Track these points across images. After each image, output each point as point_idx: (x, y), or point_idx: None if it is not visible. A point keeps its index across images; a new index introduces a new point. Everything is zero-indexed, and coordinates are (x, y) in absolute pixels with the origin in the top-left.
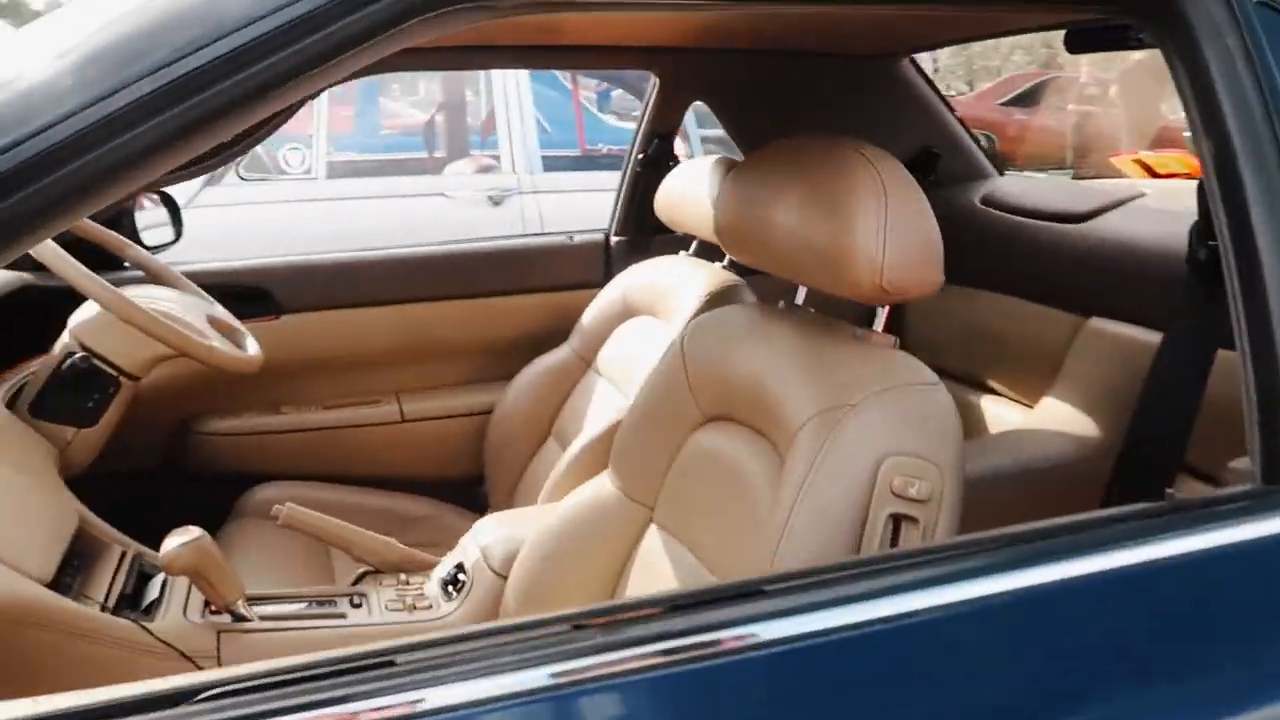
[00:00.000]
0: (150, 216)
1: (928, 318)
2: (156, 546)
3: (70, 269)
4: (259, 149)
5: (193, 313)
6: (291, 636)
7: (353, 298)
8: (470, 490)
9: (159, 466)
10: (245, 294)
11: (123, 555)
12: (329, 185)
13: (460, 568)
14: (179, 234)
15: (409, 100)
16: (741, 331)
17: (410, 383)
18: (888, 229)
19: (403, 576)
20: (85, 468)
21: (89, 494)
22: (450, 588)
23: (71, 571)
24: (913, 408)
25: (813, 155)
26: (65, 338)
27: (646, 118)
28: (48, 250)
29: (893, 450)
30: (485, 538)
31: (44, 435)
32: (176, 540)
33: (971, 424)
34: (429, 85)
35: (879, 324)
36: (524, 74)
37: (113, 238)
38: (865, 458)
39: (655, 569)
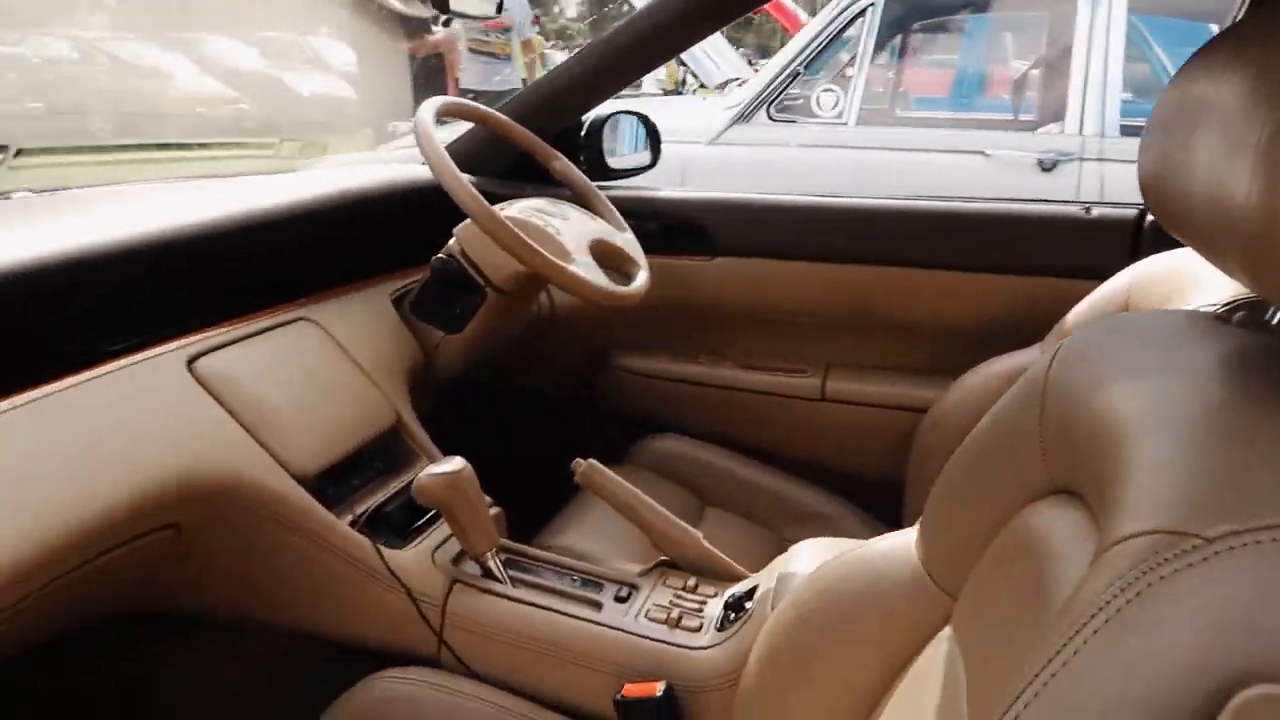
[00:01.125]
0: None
1: None
2: (551, 473)
3: (441, 168)
4: (795, 89)
5: (576, 235)
6: (525, 613)
7: (794, 248)
8: (886, 497)
9: (584, 392)
10: (683, 227)
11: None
12: (857, 132)
13: (751, 594)
14: (654, 161)
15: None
16: (1140, 355)
17: (841, 357)
18: None
19: (692, 581)
20: (457, 377)
21: (514, 408)
22: (732, 614)
23: (353, 476)
24: None
25: None
26: (452, 240)
27: None
28: (428, 148)
29: (1265, 671)
30: (790, 564)
31: (416, 335)
32: (437, 468)
33: None
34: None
35: None
36: (1119, 15)
37: (541, 147)
38: (1208, 659)
39: (926, 697)
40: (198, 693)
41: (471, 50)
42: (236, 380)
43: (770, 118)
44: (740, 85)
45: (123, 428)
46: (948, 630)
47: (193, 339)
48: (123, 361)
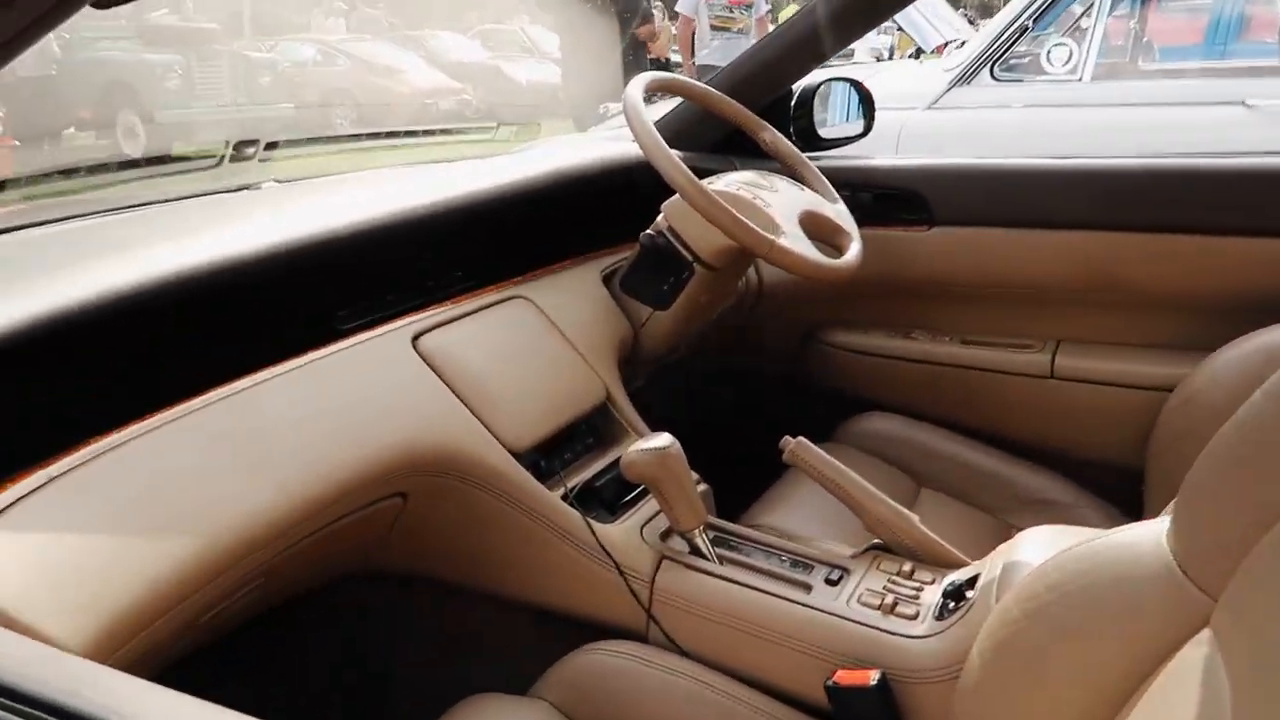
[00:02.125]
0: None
1: None
2: (757, 452)
3: (649, 143)
4: (1022, 46)
5: (785, 207)
6: (733, 592)
7: (1019, 215)
8: (1123, 484)
9: (790, 369)
10: (898, 197)
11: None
12: (1093, 89)
13: (973, 583)
14: (867, 129)
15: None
16: None
17: (1073, 331)
18: None
19: (908, 567)
20: (665, 354)
21: (720, 385)
22: (951, 603)
23: (564, 451)
24: None
25: None
26: (660, 216)
27: None
28: (636, 124)
29: None
30: (1017, 553)
31: (625, 312)
32: (645, 444)
33: None
34: None
35: None
36: None
37: (749, 118)
38: None
39: (1179, 705)
40: (413, 653)
41: (714, 27)
42: (457, 357)
43: (994, 77)
44: (960, 47)
45: (356, 400)
46: (1207, 633)
47: (416, 317)
48: (354, 339)
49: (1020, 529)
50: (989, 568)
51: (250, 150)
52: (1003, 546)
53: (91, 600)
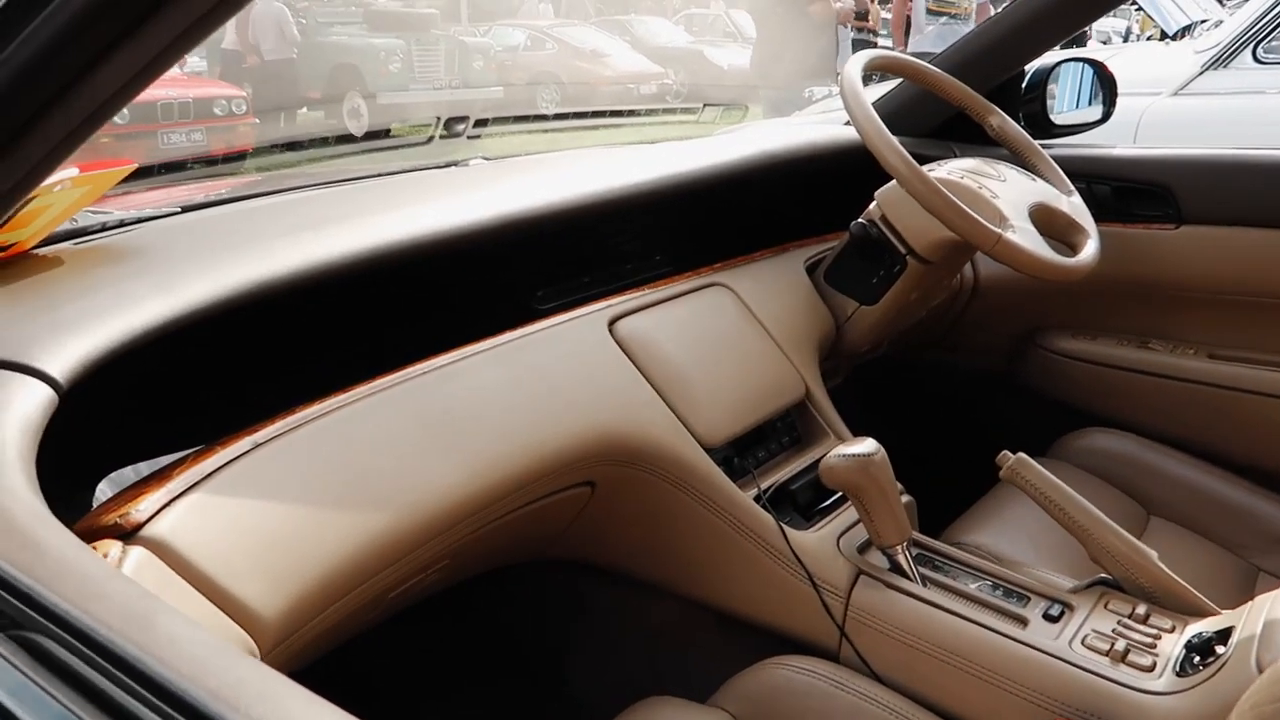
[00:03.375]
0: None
1: None
2: (964, 462)
3: (867, 124)
4: None
5: (1014, 198)
6: (937, 619)
7: None
8: None
9: (1003, 373)
10: (1141, 191)
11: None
12: None
13: (1224, 636)
14: (1106, 115)
15: None
16: None
17: None
18: None
19: (1142, 609)
20: (867, 351)
21: (926, 388)
22: (1196, 657)
23: (759, 449)
24: None
25: None
26: (872, 204)
27: None
28: (853, 103)
29: None
30: None
31: (829, 305)
32: (848, 449)
33: None
34: None
35: None
36: None
37: (976, 101)
38: None
39: None
40: (587, 648)
41: (930, 11)
42: (653, 343)
43: (1257, 59)
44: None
45: (551, 384)
46: None
47: (613, 301)
48: (551, 320)
49: (1268, 573)
50: (1245, 621)
51: (460, 127)
52: (1262, 598)
53: (289, 569)
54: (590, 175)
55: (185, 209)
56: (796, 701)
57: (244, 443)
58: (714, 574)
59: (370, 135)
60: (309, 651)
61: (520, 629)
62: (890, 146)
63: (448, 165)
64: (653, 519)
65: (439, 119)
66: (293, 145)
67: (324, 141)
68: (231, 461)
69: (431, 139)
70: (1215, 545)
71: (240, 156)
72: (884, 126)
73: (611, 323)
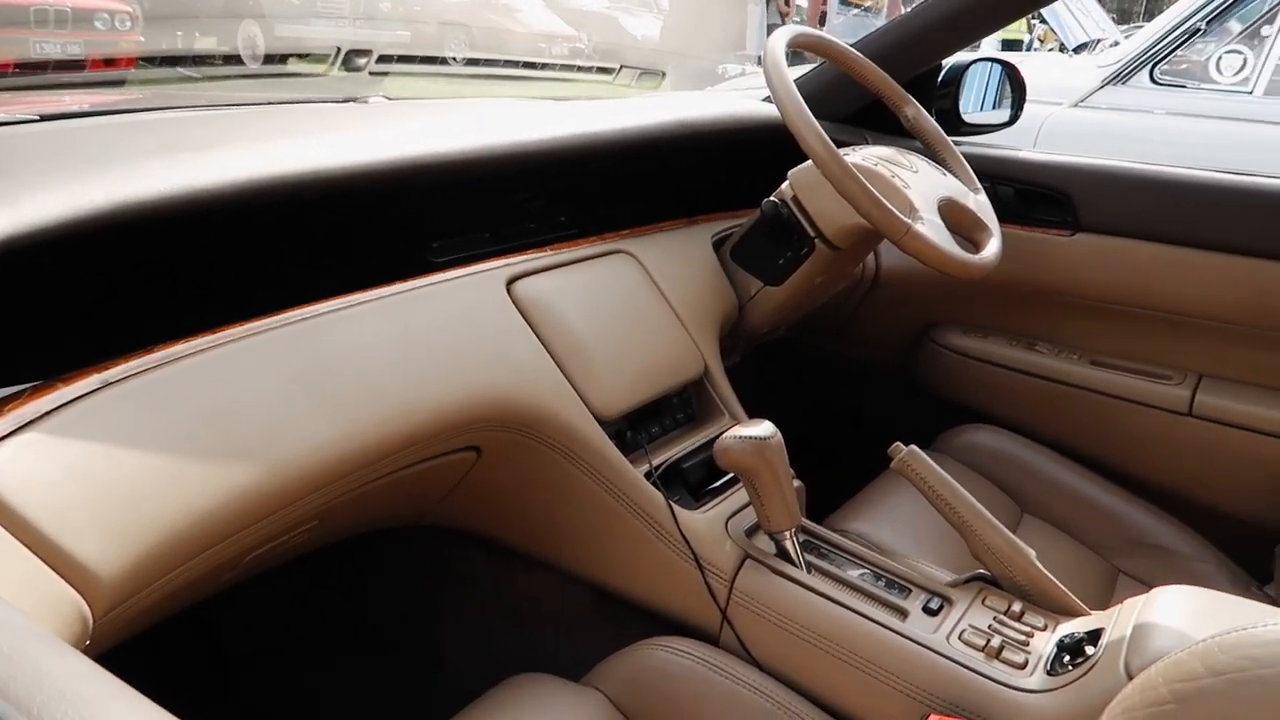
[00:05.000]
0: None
1: None
2: (850, 449)
3: (788, 101)
4: (1185, 51)
5: (925, 191)
6: (820, 607)
7: (1177, 231)
8: (1256, 543)
9: (896, 366)
10: (1042, 195)
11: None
12: (1264, 104)
13: (1094, 637)
14: (1014, 118)
15: None
16: None
17: (1220, 367)
18: None
19: (1017, 606)
20: (767, 332)
21: (818, 376)
22: (1067, 656)
23: (653, 424)
24: None
25: None
26: (785, 184)
27: None
28: (776, 79)
29: None
30: (1153, 614)
31: (733, 283)
32: (744, 431)
33: None
34: None
35: None
36: None
37: (895, 90)
38: None
39: None
40: (462, 617)
41: (842, 1)
42: (552, 307)
43: (1154, 80)
44: (1110, 47)
45: (441, 341)
46: None
47: (514, 260)
48: (446, 274)
49: (1128, 575)
50: (1115, 623)
51: (361, 61)
52: (1130, 602)
53: (135, 523)
54: (498, 125)
55: (44, 118)
56: (672, 684)
57: (91, 380)
58: (597, 549)
59: (267, 59)
60: (154, 613)
61: (388, 598)
62: (809, 126)
63: (346, 101)
64: (538, 489)
65: (339, 50)
66: (177, 60)
67: (212, 61)
68: (75, 400)
69: (332, 66)
70: (1081, 545)
71: (120, 79)
72: (804, 105)
73: (510, 282)
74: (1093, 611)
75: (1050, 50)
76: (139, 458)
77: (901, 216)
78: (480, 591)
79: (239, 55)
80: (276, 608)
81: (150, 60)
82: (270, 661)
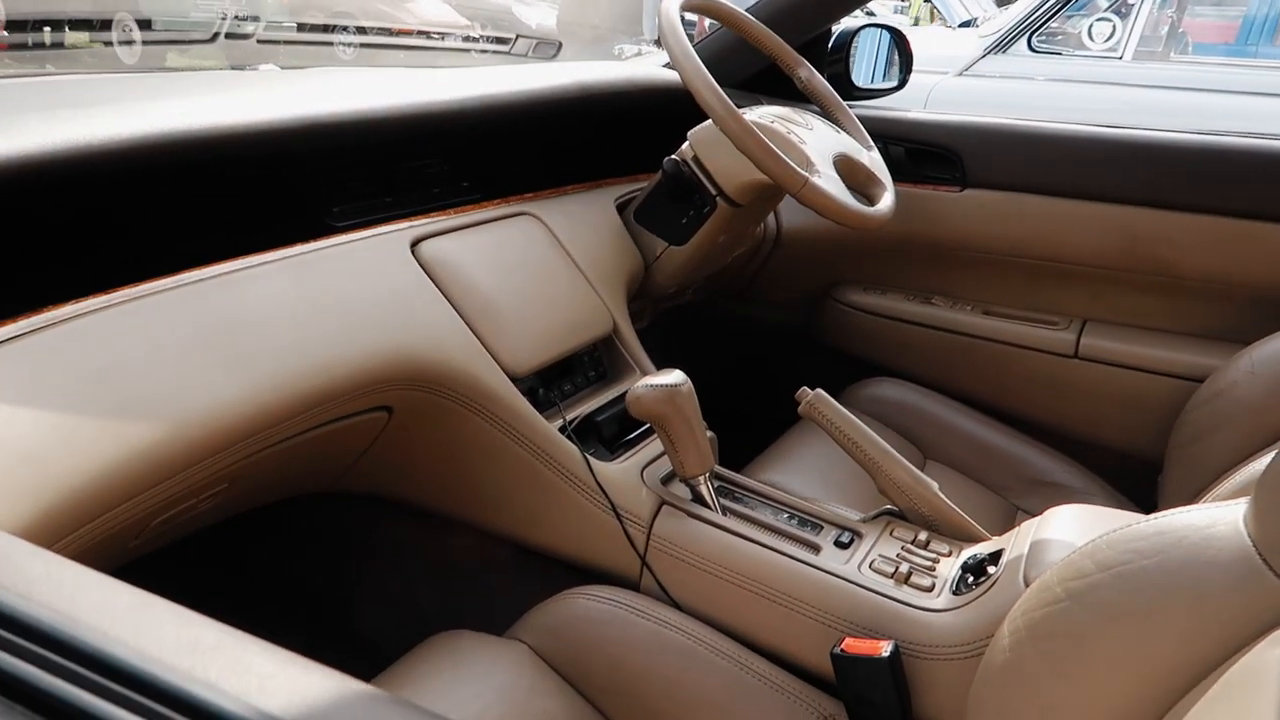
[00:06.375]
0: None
1: None
2: (760, 405)
3: (685, 60)
4: (1060, 23)
5: (820, 148)
6: (736, 546)
7: (1058, 183)
8: (1141, 475)
9: (800, 325)
10: (932, 154)
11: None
12: (1135, 69)
13: (995, 558)
14: (902, 83)
15: None
16: None
17: (1102, 311)
18: None
19: (923, 536)
20: (674, 294)
21: (725, 334)
22: (970, 577)
23: (564, 381)
24: None
25: None
26: (685, 144)
27: None
28: (672, 40)
29: None
30: (1048, 531)
31: (638, 244)
32: (655, 380)
33: None
34: None
35: None
36: None
37: (787, 53)
38: None
39: (1248, 707)
40: (383, 581)
41: None
42: (458, 267)
43: (1031, 48)
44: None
45: (346, 301)
46: None
47: (417, 222)
48: (350, 236)
49: (1025, 511)
50: (1014, 544)
51: (250, 28)
52: (1027, 523)
53: (30, 483)
54: (396, 90)
55: None
56: (596, 630)
57: None
58: (515, 505)
59: (144, 25)
60: None
61: (305, 566)
62: (707, 84)
63: (234, 70)
64: (453, 448)
65: (225, 15)
66: (52, 24)
67: (88, 23)
68: None
69: (216, 36)
70: (980, 485)
71: None
72: (700, 62)
73: (414, 244)
74: (993, 537)
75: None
76: (31, 416)
77: (799, 170)
78: (400, 555)
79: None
80: (189, 580)
81: (18, 56)
82: None
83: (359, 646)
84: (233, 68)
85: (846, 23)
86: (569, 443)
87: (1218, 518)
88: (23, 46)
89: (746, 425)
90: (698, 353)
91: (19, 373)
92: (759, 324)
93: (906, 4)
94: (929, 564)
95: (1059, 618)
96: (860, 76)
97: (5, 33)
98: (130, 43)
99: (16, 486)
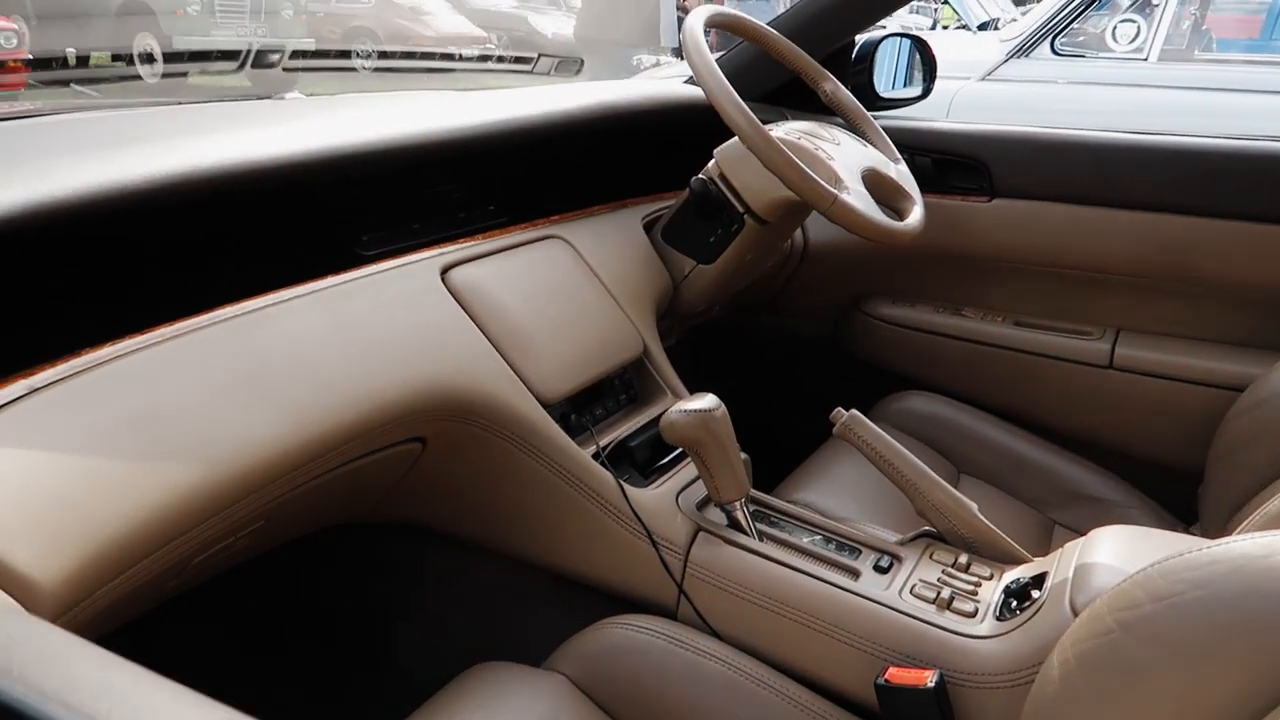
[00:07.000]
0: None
1: None
2: (791, 421)
3: (710, 78)
4: (1082, 24)
5: (848, 162)
6: (774, 573)
7: (1090, 192)
8: (1179, 487)
9: (828, 338)
10: (959, 164)
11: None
12: (1161, 70)
13: (1038, 581)
14: (927, 91)
15: None
16: None
17: (1137, 320)
18: None
19: (963, 559)
20: (702, 311)
21: (754, 351)
22: (1014, 602)
23: (596, 406)
24: None
25: None
26: (711, 162)
27: None
28: (696, 57)
29: None
30: (1092, 554)
31: (667, 264)
32: (689, 405)
33: None
34: None
35: None
36: None
37: (812, 66)
38: None
39: None
40: (421, 612)
41: None
42: (488, 294)
43: (1055, 51)
44: (1012, 23)
45: (378, 333)
46: None
47: (446, 249)
48: (380, 266)
49: (1063, 525)
50: (1057, 567)
51: (274, 57)
52: (1071, 545)
53: (73, 530)
54: (420, 116)
55: None
56: (634, 660)
57: (18, 387)
58: (550, 533)
59: (166, 74)
60: (97, 625)
61: (342, 596)
62: (733, 101)
63: (261, 99)
64: (487, 477)
65: (250, 48)
66: (78, 63)
67: (107, 78)
68: (1, 408)
69: (243, 64)
70: (1017, 500)
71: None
72: (725, 80)
73: (444, 271)
74: (1035, 558)
75: (954, 29)
76: (70, 464)
77: (828, 187)
78: (434, 585)
79: (137, 73)
80: (230, 614)
81: (43, 78)
82: (223, 668)
83: (395, 675)
84: (257, 96)
85: (869, 34)
86: (603, 469)
87: (1276, 547)
88: (46, 66)
89: (777, 440)
90: (726, 368)
91: (57, 419)
92: (787, 337)
93: (933, 6)
94: (971, 588)
95: (1110, 650)
96: (883, 85)
97: (30, 54)
98: (153, 60)
99: (60, 533)
